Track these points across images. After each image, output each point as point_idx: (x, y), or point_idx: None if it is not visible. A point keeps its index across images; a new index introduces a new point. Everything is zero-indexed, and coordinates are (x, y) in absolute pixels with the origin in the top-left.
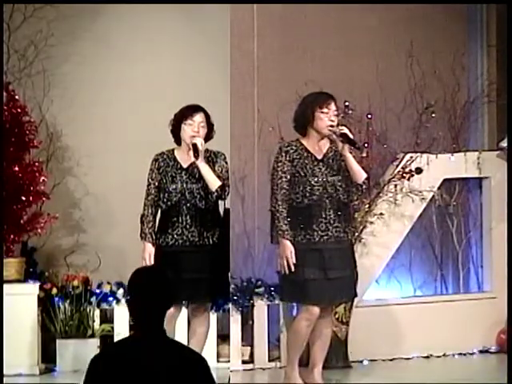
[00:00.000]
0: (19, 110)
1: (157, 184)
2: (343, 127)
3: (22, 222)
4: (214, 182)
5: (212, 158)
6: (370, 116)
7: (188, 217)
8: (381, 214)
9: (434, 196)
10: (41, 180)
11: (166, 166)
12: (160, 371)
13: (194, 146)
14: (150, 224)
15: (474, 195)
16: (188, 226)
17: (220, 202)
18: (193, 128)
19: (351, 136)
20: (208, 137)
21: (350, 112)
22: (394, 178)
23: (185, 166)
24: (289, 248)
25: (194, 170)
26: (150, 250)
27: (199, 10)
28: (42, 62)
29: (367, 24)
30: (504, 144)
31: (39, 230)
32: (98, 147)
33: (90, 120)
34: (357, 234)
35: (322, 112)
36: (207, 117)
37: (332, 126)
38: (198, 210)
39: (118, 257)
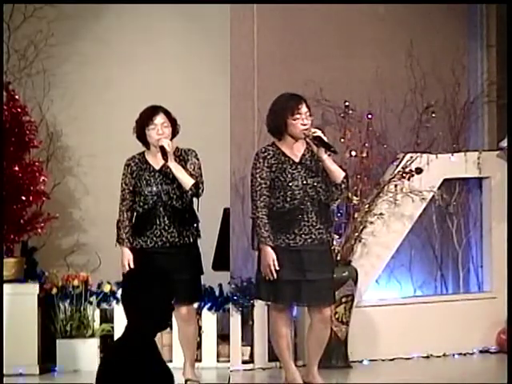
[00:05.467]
0: (19, 110)
1: (131, 188)
2: (316, 130)
3: (22, 221)
4: (187, 182)
5: (183, 157)
6: (370, 116)
7: (166, 218)
8: (381, 214)
9: (434, 196)
10: (41, 180)
11: (139, 170)
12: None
13: (162, 148)
14: (127, 229)
15: (474, 195)
16: (167, 227)
17: (196, 200)
18: (157, 131)
19: (325, 139)
20: (173, 134)
21: (350, 112)
22: (394, 178)
23: (157, 167)
24: (271, 255)
25: (167, 170)
26: (128, 255)
27: (199, 10)
28: (42, 62)
29: (367, 24)
30: (504, 144)
31: (39, 230)
32: (98, 147)
33: (90, 120)
34: (357, 234)
35: (294, 119)
36: (168, 115)
37: (306, 130)
38: (176, 210)
39: (118, 257)
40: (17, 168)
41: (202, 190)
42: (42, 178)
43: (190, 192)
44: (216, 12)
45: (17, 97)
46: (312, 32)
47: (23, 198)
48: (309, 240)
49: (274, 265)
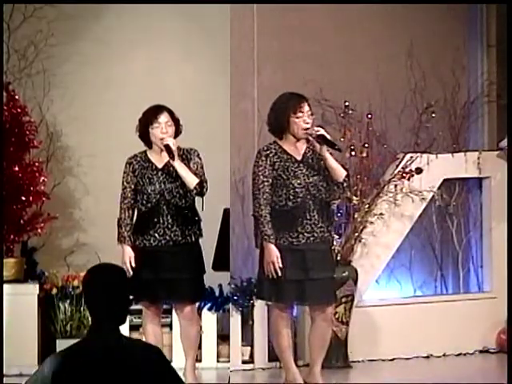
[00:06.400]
0: (19, 110)
1: (133, 187)
2: (319, 128)
3: (21, 221)
4: (191, 181)
5: (186, 156)
6: (370, 116)
7: (169, 216)
8: (381, 214)
9: (433, 196)
10: (41, 180)
11: (142, 168)
12: (114, 370)
13: (167, 147)
14: (128, 227)
15: (474, 195)
16: (170, 226)
17: (200, 199)
18: (161, 130)
19: (328, 137)
20: (176, 133)
21: (350, 112)
22: (394, 178)
23: (160, 166)
24: (275, 253)
25: (170, 169)
26: (130, 253)
27: (199, 10)
28: (42, 62)
29: (367, 24)
30: (504, 144)
31: (39, 230)
32: (98, 147)
33: (90, 120)
34: (357, 234)
35: (297, 117)
36: (171, 114)
37: (307, 129)
38: (179, 209)
39: (118, 257)
40: (17, 168)
41: (206, 189)
42: (42, 178)
43: (195, 191)
44: (216, 12)
45: (17, 97)
46: (312, 32)
47: (23, 198)
48: (311, 238)
49: (278, 262)
